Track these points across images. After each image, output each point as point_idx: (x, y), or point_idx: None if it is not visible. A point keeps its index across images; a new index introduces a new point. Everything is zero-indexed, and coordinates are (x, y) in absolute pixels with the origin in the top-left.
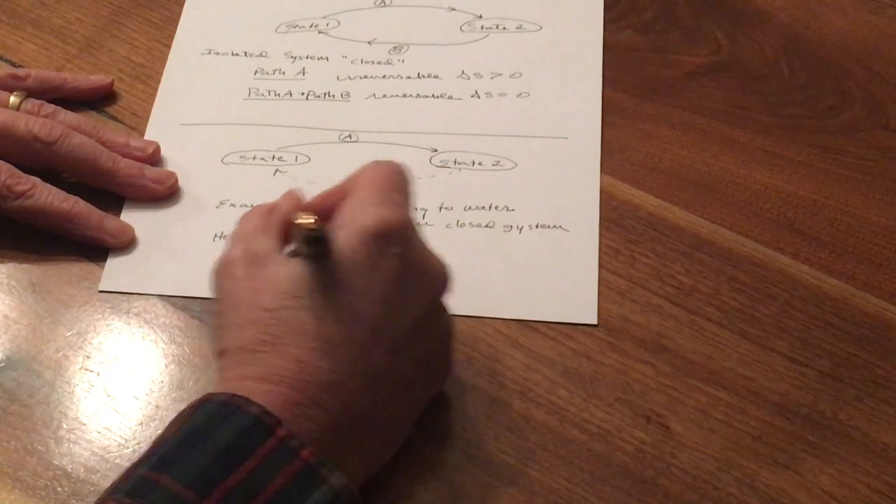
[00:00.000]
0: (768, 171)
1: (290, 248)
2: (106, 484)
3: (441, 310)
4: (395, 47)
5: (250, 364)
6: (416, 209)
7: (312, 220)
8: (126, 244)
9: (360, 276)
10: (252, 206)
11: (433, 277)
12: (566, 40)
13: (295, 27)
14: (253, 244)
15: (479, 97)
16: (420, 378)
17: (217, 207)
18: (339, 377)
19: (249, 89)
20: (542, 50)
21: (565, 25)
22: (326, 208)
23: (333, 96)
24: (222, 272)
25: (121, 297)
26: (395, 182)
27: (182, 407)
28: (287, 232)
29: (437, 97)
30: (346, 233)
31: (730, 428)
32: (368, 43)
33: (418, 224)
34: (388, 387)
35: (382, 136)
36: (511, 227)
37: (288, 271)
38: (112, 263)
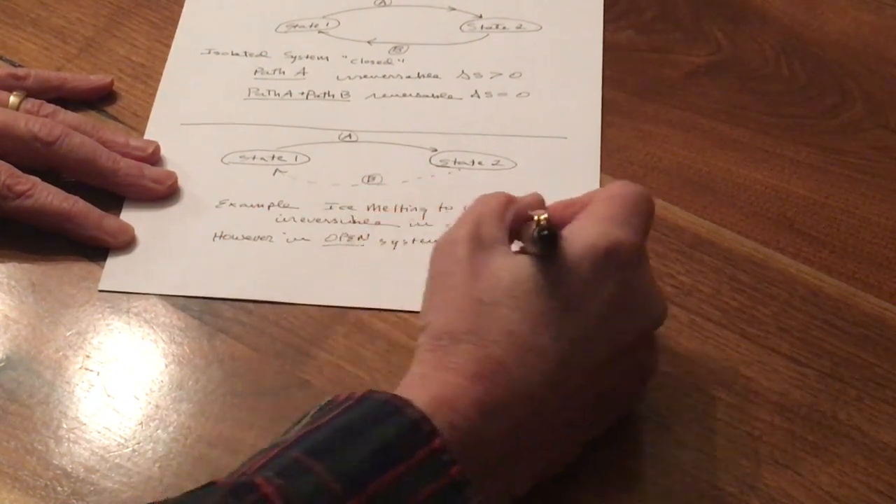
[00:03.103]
0: (768, 171)
1: (518, 245)
2: (106, 484)
3: (649, 345)
4: (395, 47)
5: (451, 353)
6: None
7: (547, 216)
8: (126, 244)
9: (579, 290)
10: (252, 205)
11: (651, 309)
12: (566, 40)
13: (295, 27)
14: (482, 228)
15: (479, 97)
16: (606, 406)
17: (217, 207)
18: (532, 388)
19: (249, 89)
20: (542, 50)
21: (565, 25)
22: (566, 216)
23: (333, 96)
24: (444, 249)
25: (121, 297)
26: (636, 205)
27: (183, 407)
28: (518, 227)
29: (437, 97)
30: (575, 245)
31: (730, 428)
32: (368, 43)
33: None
34: (576, 408)
35: (382, 135)
36: None
37: (511, 266)
38: (112, 263)
